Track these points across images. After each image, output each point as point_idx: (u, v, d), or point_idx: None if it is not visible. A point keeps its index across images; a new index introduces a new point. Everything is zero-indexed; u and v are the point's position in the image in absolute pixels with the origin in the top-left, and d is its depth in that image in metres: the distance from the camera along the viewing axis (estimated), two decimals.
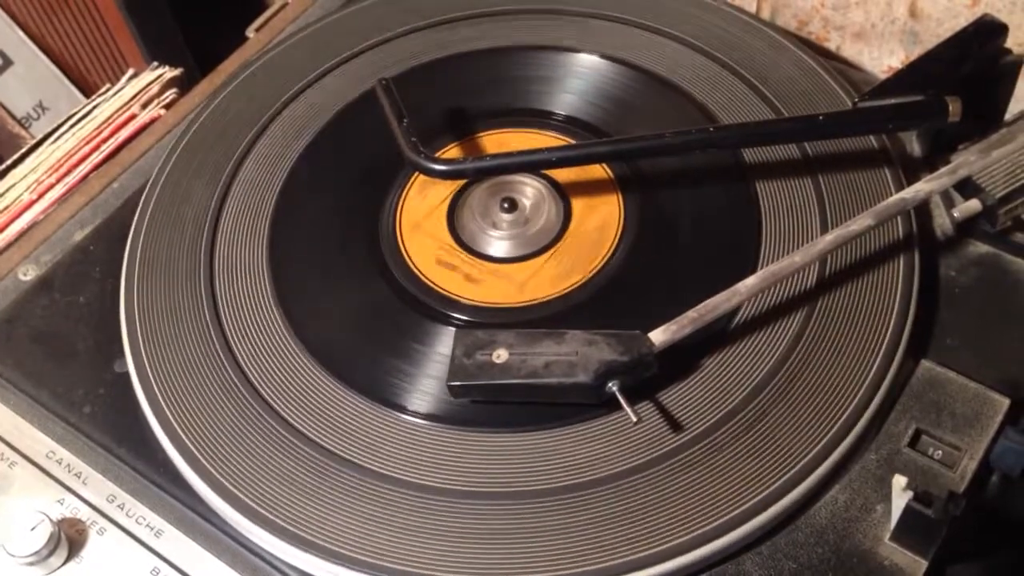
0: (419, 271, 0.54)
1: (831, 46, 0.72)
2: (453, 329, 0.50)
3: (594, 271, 0.53)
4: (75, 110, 0.65)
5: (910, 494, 0.43)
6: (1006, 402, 0.48)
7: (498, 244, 0.55)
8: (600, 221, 0.55)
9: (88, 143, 0.64)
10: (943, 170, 0.52)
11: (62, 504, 0.48)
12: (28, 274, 0.57)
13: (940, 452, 0.47)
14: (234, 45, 0.69)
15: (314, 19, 0.68)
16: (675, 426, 0.47)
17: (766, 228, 0.54)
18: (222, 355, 0.51)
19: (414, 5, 0.67)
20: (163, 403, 0.50)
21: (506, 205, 0.55)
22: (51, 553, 0.46)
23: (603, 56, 0.62)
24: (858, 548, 0.45)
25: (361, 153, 0.59)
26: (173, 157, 0.60)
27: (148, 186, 0.59)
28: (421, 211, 0.56)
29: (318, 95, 0.62)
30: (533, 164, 0.55)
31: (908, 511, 0.43)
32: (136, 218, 0.57)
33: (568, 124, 0.60)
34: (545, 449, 0.47)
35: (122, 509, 0.48)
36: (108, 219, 0.59)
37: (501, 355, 0.47)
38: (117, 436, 0.51)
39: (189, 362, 0.51)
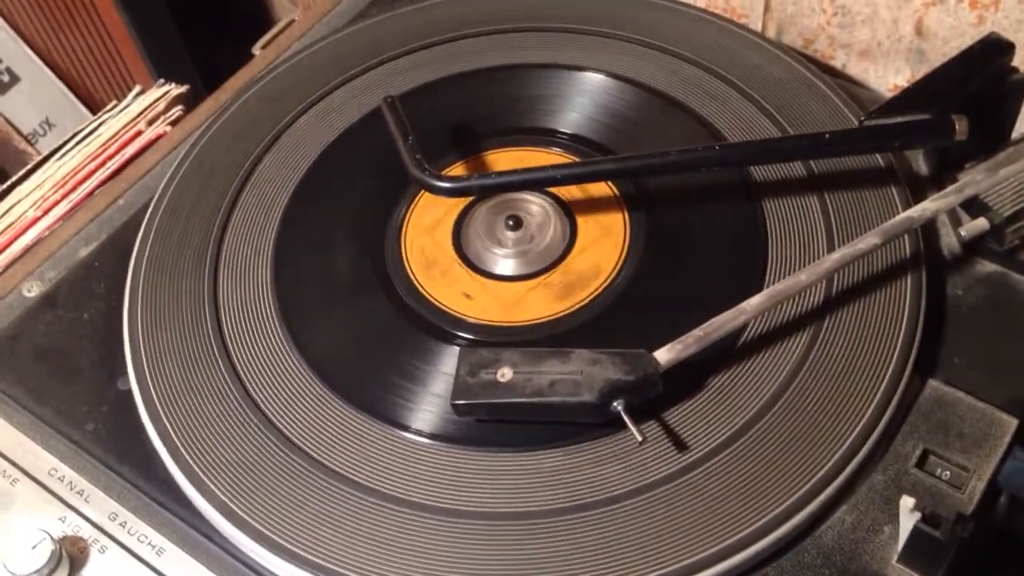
0: (424, 289, 0.54)
1: (837, 64, 0.72)
2: (457, 348, 0.50)
3: (599, 289, 0.53)
4: (81, 127, 0.66)
5: (918, 515, 0.42)
6: (1015, 422, 0.47)
7: (503, 262, 0.55)
8: (605, 239, 0.55)
9: (94, 160, 0.64)
10: (950, 189, 0.52)
11: (64, 522, 0.48)
12: (32, 290, 0.57)
13: (948, 473, 0.46)
14: (240, 62, 0.69)
15: (320, 37, 0.68)
16: (680, 446, 0.47)
17: (772, 246, 0.54)
18: (225, 373, 0.51)
19: (420, 23, 0.67)
20: (166, 421, 0.49)
21: (511, 223, 0.55)
22: (52, 571, 0.46)
23: (609, 74, 0.62)
24: (865, 570, 0.44)
25: (366, 171, 0.59)
26: (179, 174, 0.60)
27: (153, 203, 0.59)
28: (426, 230, 0.56)
29: (324, 113, 0.62)
30: (538, 182, 0.55)
31: (916, 533, 0.42)
32: (141, 235, 0.57)
33: (573, 142, 0.60)
34: (549, 469, 0.47)
35: (124, 527, 0.48)
36: (113, 236, 0.59)
37: (506, 374, 0.47)
38: (119, 454, 0.50)
39: (192, 379, 0.51)
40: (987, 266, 0.54)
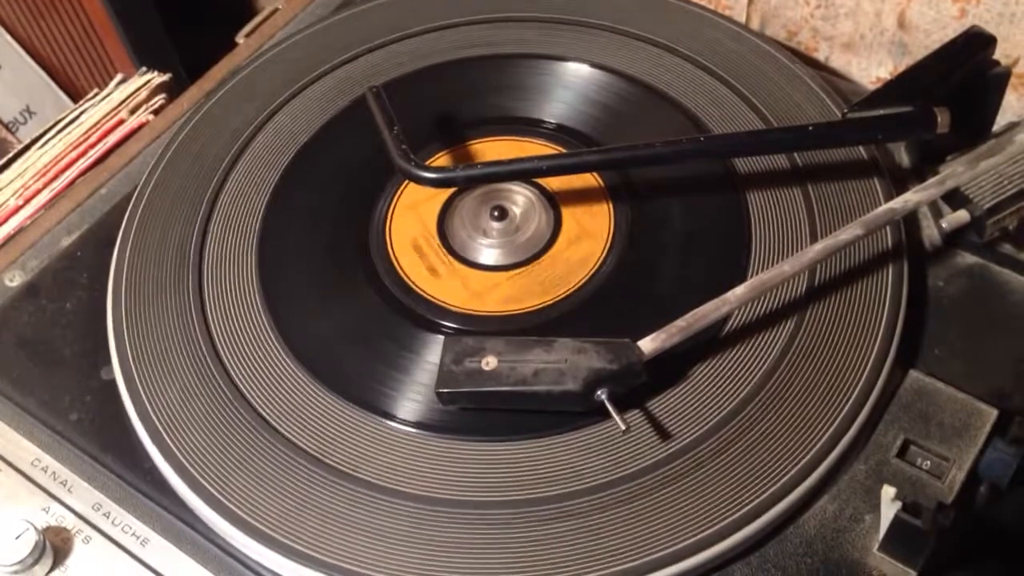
0: (408, 279, 0.54)
1: (820, 56, 0.72)
2: (442, 336, 0.50)
3: (584, 279, 0.53)
4: (63, 115, 0.65)
5: (899, 504, 0.43)
6: (994, 412, 0.48)
7: (488, 252, 0.55)
8: (590, 230, 0.55)
9: (76, 148, 0.63)
10: (931, 181, 0.52)
11: (47, 512, 0.48)
12: (14, 280, 0.57)
13: (928, 462, 0.47)
14: (223, 51, 0.69)
15: (304, 25, 0.68)
16: (664, 435, 0.47)
17: (755, 237, 0.54)
18: (209, 362, 0.51)
19: (404, 12, 0.67)
20: (150, 410, 0.49)
21: (496, 213, 0.55)
22: (36, 562, 0.46)
23: (593, 65, 0.62)
24: (847, 558, 0.45)
25: (351, 161, 0.59)
26: (162, 163, 0.60)
27: (136, 192, 0.59)
28: (411, 219, 0.56)
29: (308, 102, 0.62)
30: (523, 172, 0.55)
31: (897, 521, 0.43)
32: (124, 224, 0.57)
33: (559, 132, 0.60)
34: (533, 458, 0.47)
35: (108, 517, 0.48)
36: (95, 225, 0.59)
37: (490, 362, 0.47)
38: (103, 444, 0.50)
39: (176, 369, 0.51)
40: (968, 258, 0.54)
